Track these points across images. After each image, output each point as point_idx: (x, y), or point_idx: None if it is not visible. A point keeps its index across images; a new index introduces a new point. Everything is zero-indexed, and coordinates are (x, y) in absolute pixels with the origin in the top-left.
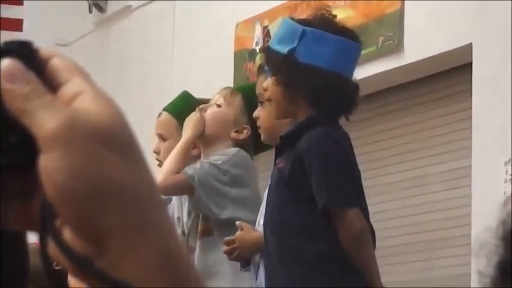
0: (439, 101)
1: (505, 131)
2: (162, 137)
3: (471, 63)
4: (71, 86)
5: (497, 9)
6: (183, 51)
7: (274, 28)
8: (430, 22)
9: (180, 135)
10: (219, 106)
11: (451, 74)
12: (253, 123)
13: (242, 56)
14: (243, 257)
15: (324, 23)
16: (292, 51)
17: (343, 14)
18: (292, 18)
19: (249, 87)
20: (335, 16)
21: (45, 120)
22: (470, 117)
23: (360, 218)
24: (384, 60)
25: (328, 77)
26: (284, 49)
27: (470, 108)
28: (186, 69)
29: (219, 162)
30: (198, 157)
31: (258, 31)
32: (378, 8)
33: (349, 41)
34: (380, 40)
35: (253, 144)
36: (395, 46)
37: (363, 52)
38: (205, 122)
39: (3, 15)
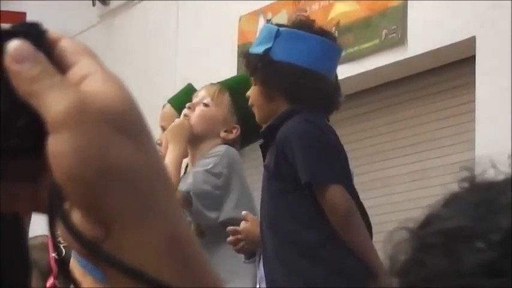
0: (443, 94)
1: (508, 124)
2: (165, 129)
3: (474, 56)
4: (80, 67)
5: (501, 2)
6: (186, 44)
7: (279, 21)
8: (433, 15)
9: None
10: (206, 105)
11: (455, 67)
12: (241, 120)
13: (246, 49)
14: (248, 249)
15: (300, 24)
16: (267, 51)
17: (346, 7)
18: (271, 22)
19: (236, 81)
20: (313, 20)
21: (54, 102)
22: (473, 110)
23: (344, 194)
24: (387, 54)
25: (303, 73)
26: (260, 50)
27: (474, 101)
28: (190, 62)
29: (211, 166)
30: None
31: (262, 24)
32: (382, 1)
33: (325, 39)
34: (383, 33)
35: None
36: (399, 39)
37: (366, 45)
38: (194, 121)
39: (5, 9)
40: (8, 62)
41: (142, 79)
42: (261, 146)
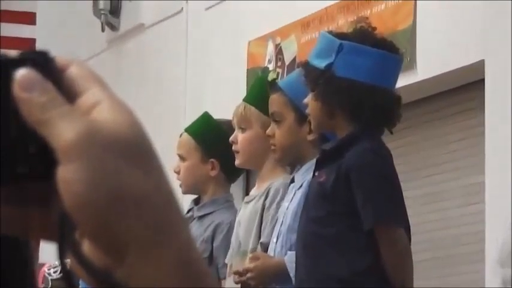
0: (452, 118)
1: None
2: (182, 157)
3: (483, 79)
4: (89, 95)
5: (509, 25)
6: (196, 69)
7: (288, 45)
8: (442, 39)
9: (198, 156)
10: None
11: (464, 91)
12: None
13: (255, 74)
14: (254, 286)
15: (362, 35)
16: (329, 66)
17: None
18: (330, 32)
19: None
20: (375, 28)
21: (63, 131)
22: (483, 133)
23: (405, 238)
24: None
25: (366, 90)
26: (322, 64)
27: (483, 124)
28: (199, 87)
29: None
30: (215, 178)
31: (271, 49)
32: (390, 25)
33: (387, 53)
34: None
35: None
36: (408, 63)
37: None
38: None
39: (16, 35)
40: (17, 90)
41: (152, 104)
42: (317, 160)
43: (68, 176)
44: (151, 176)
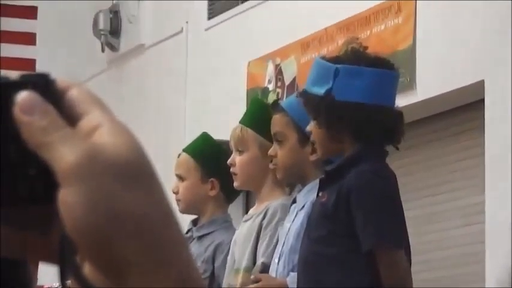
0: (452, 138)
1: None
2: (181, 177)
3: (483, 99)
4: (90, 118)
5: (509, 46)
6: (196, 89)
7: (288, 66)
8: (442, 59)
9: (198, 176)
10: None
11: (464, 111)
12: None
13: (255, 94)
14: None
15: (356, 57)
16: (328, 92)
17: None
18: (324, 57)
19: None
20: (366, 48)
21: (64, 154)
22: (483, 154)
23: (404, 260)
24: (396, 97)
25: (368, 110)
26: (320, 90)
27: (483, 144)
28: (199, 107)
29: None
30: (214, 198)
31: (270, 69)
32: (390, 44)
33: (384, 71)
34: None
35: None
36: (408, 83)
37: None
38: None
39: (16, 55)
40: (18, 113)
41: (151, 124)
42: (320, 180)
43: (68, 199)
44: (151, 196)
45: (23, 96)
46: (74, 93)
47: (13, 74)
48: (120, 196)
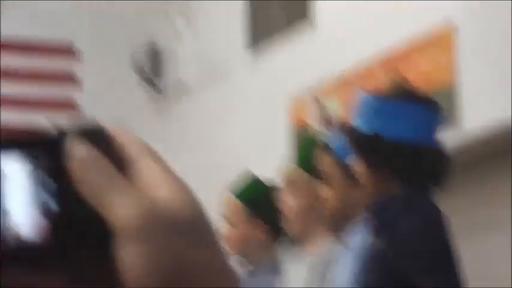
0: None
1: None
2: (231, 222)
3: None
4: (142, 169)
5: None
6: (239, 128)
7: (330, 103)
8: (485, 95)
9: (249, 223)
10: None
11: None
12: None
13: (298, 132)
14: None
15: (403, 95)
16: (375, 130)
17: None
18: (370, 94)
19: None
20: (412, 84)
21: (122, 208)
22: None
23: None
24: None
25: (415, 151)
26: (367, 129)
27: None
28: (243, 146)
29: None
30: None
31: (313, 107)
32: (430, 80)
33: (431, 111)
34: None
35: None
36: (449, 120)
37: None
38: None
39: (60, 97)
40: (73, 167)
41: (197, 166)
42: (367, 223)
43: (128, 258)
44: (212, 256)
45: (80, 151)
46: (123, 141)
47: (66, 125)
48: (180, 256)
